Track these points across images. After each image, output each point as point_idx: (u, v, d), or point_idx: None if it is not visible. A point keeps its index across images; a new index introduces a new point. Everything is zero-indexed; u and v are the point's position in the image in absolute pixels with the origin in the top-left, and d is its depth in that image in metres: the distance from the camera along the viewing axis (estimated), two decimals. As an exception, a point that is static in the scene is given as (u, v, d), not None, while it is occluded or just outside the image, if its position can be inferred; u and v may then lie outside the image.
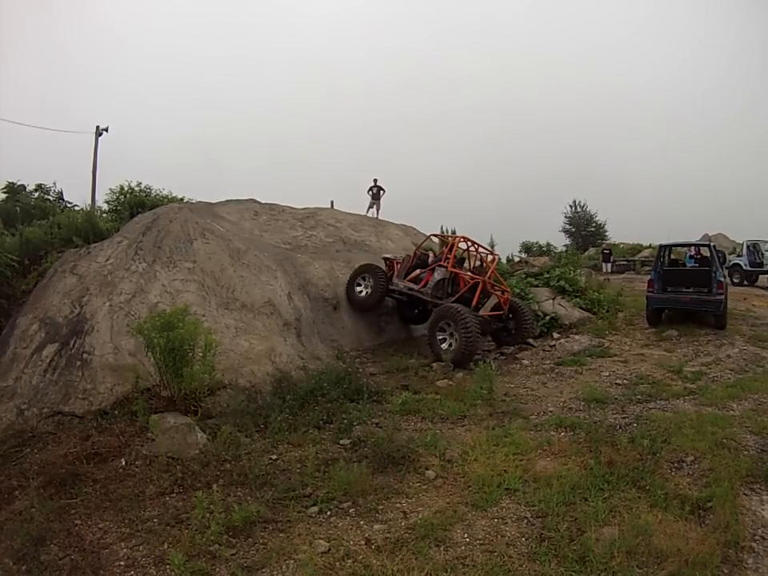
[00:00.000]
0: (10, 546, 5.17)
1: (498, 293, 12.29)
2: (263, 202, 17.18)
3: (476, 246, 12.86)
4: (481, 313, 11.79)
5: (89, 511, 5.73)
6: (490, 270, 12.35)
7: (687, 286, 13.50)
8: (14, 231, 14.82)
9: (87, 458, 6.76)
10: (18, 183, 21.86)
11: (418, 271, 12.82)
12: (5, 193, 21.18)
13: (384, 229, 18.49)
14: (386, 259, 13.80)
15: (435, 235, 13.54)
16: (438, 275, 12.23)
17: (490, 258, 13.23)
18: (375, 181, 21.93)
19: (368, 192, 21.99)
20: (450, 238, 13.12)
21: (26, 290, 11.88)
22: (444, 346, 11.05)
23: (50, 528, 5.35)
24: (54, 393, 8.58)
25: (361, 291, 13.19)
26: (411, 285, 12.60)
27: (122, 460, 6.76)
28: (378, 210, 21.61)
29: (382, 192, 21.90)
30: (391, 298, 13.29)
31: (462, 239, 12.78)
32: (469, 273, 12.41)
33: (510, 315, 12.35)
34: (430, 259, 13.03)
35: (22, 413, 8.40)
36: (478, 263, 13.12)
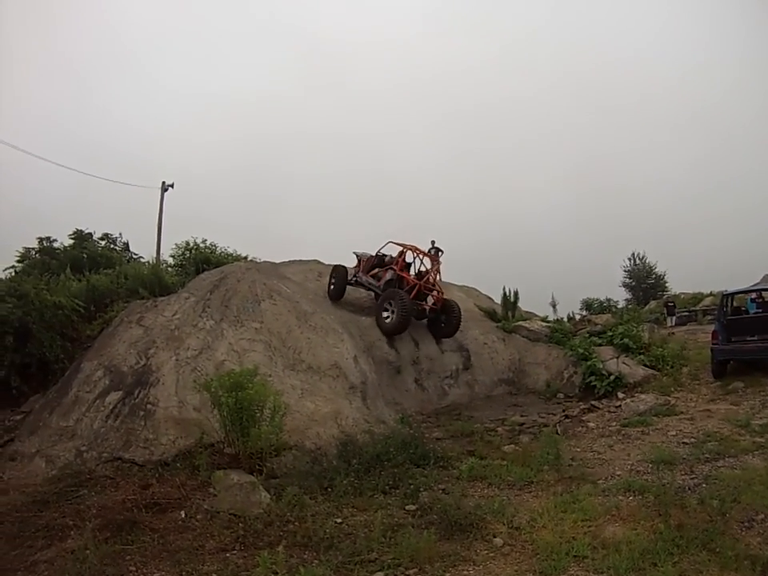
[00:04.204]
0: (59, 583, 5.28)
1: (435, 293, 15.16)
2: (326, 263, 17.82)
3: (421, 255, 15.75)
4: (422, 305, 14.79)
5: (145, 559, 5.80)
6: (427, 276, 15.31)
7: (751, 333, 13.00)
8: (81, 277, 15.60)
9: (146, 507, 6.87)
10: (86, 231, 22.93)
11: (377, 269, 15.70)
12: (72, 239, 22.15)
13: (446, 291, 18.67)
14: (356, 255, 16.76)
15: (393, 242, 16.04)
16: (388, 275, 15.15)
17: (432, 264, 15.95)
18: (433, 242, 22.11)
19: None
20: (403, 247, 15.72)
21: (91, 336, 12.50)
22: (387, 320, 13.98)
23: (103, 571, 5.44)
24: (114, 439, 8.93)
25: (331, 286, 16.00)
26: (371, 280, 15.63)
27: (182, 512, 6.85)
28: (439, 272, 21.71)
29: (440, 253, 22.03)
30: (352, 286, 16.17)
31: (410, 248, 15.60)
32: (412, 275, 15.36)
33: (444, 312, 14.92)
34: (386, 260, 15.87)
35: (80, 454, 8.76)
36: (423, 269, 15.93)
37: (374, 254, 16.32)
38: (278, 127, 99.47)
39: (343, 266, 16.21)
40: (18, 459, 9.05)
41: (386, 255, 16.17)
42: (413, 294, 14.31)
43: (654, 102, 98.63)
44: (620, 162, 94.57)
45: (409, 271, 15.64)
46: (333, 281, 16.04)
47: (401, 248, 15.78)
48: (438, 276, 20.30)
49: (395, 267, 15.19)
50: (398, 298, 13.82)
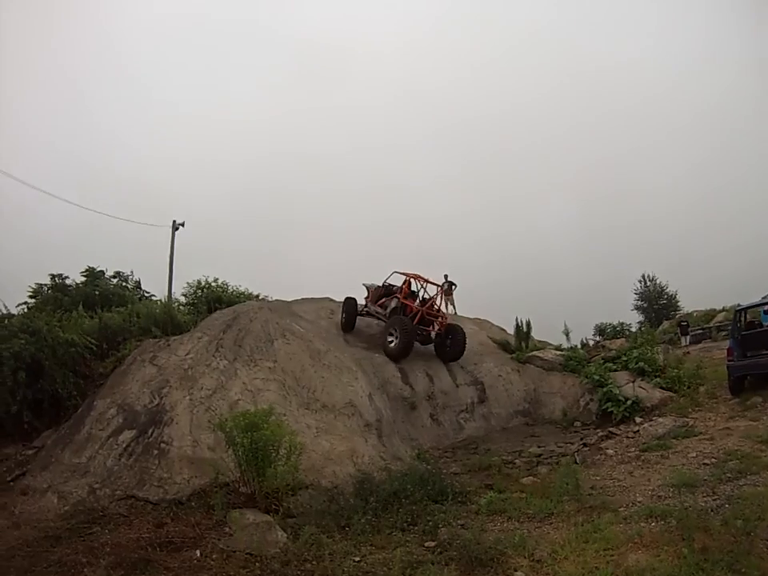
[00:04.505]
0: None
1: (439, 319, 15.83)
2: (338, 300, 17.97)
3: (425, 283, 16.40)
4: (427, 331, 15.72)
5: (159, 598, 5.66)
6: (428, 303, 15.93)
7: (767, 347, 12.81)
8: (93, 314, 15.67)
9: (160, 545, 6.89)
10: (98, 269, 22.77)
11: (384, 299, 16.48)
12: (84, 276, 22.18)
13: (459, 323, 18.68)
14: (365, 286, 17.71)
15: (398, 272, 16.85)
16: (393, 304, 15.88)
17: (436, 289, 16.71)
18: (446, 277, 22.21)
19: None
20: (407, 276, 16.39)
21: (104, 373, 12.57)
22: (391, 344, 14.56)
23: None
24: (128, 477, 8.99)
25: (342, 318, 16.66)
26: (378, 309, 16.44)
27: (197, 551, 6.83)
28: (454, 306, 21.82)
29: (453, 287, 22.10)
30: (363, 317, 16.97)
31: (414, 277, 16.28)
32: (416, 302, 16.02)
33: (449, 336, 15.44)
34: (394, 289, 16.65)
35: (93, 491, 8.80)
36: (427, 296, 16.48)
37: (381, 284, 17.14)
38: (277, 148, 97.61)
39: (353, 299, 17.00)
40: (29, 494, 9.12)
41: (393, 285, 16.97)
42: (416, 320, 15.02)
43: (661, 100, 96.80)
44: (628, 167, 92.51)
45: (414, 299, 16.33)
46: (344, 313, 16.70)
47: (405, 277, 16.48)
48: (449, 306, 21.07)
49: (399, 296, 15.91)
50: (400, 323, 14.65)
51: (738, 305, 15.91)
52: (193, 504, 8.24)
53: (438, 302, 16.50)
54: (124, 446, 9.57)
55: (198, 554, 6.79)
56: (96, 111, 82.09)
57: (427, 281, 16.46)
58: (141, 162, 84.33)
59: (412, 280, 16.36)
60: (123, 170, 79.41)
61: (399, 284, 16.66)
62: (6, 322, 13.19)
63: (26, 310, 17.36)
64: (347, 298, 17.04)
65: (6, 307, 14.22)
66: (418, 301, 16.30)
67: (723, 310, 33.59)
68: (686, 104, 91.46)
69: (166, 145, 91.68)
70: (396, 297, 16.02)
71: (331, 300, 18.43)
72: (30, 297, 20.26)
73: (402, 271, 16.70)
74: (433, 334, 15.79)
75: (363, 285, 17.88)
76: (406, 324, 14.57)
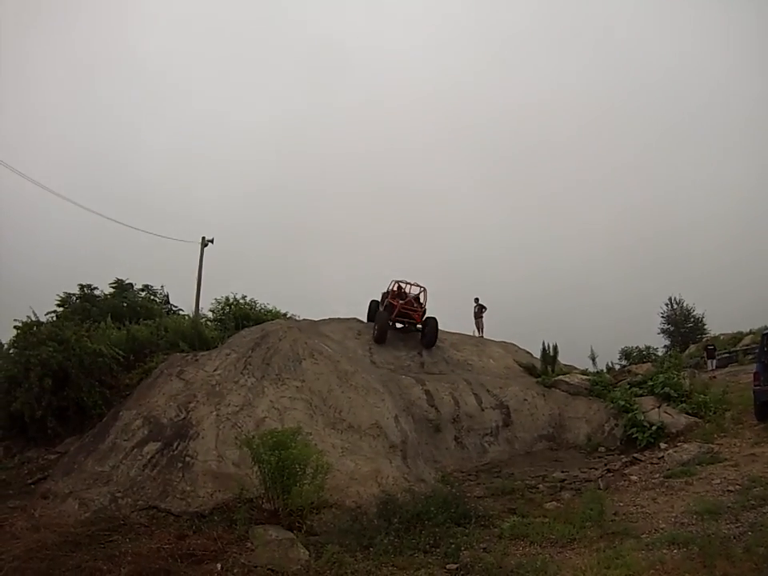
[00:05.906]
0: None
1: (414, 313, 18.50)
2: (365, 321, 18.78)
3: (409, 286, 19.47)
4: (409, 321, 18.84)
5: (179, 609, 5.70)
6: (406, 300, 18.70)
7: None
8: (121, 326, 16.10)
9: (181, 557, 7.00)
10: (126, 281, 23.23)
11: (386, 298, 19.28)
12: (113, 288, 22.51)
13: (485, 347, 18.94)
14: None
15: (396, 280, 19.49)
16: (386, 303, 18.91)
17: (418, 290, 19.35)
18: (477, 300, 22.54)
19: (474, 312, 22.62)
20: (398, 283, 19.44)
21: (130, 385, 13.01)
22: (375, 332, 17.58)
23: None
24: (151, 488, 9.21)
25: (369, 314, 20.08)
26: (382, 305, 19.35)
27: (218, 565, 6.94)
28: (482, 329, 22.05)
29: (483, 310, 22.36)
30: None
31: (403, 282, 19.40)
32: (399, 301, 18.66)
33: (426, 326, 18.25)
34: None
35: (115, 500, 9.02)
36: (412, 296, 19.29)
37: (386, 291, 20.08)
38: (312, 181, 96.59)
39: (377, 301, 20.33)
40: (50, 498, 9.38)
41: (391, 289, 19.82)
42: (394, 314, 18.41)
43: (700, 121, 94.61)
44: (665, 206, 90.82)
45: (400, 299, 18.94)
46: (369, 310, 20.12)
47: (396, 283, 19.63)
48: (478, 329, 22.50)
49: (389, 297, 18.99)
50: (378, 318, 18.24)
51: (766, 327, 15.74)
52: (215, 518, 8.39)
53: (422, 300, 19.11)
54: (148, 457, 9.82)
55: (219, 568, 6.90)
56: (110, 109, 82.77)
57: (409, 284, 19.54)
58: (159, 164, 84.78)
59: (402, 284, 19.57)
60: (141, 172, 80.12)
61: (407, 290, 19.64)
62: (35, 329, 13.66)
63: (54, 319, 17.72)
64: (372, 300, 20.41)
65: (35, 315, 14.67)
66: (400, 301, 18.97)
67: (750, 332, 33.12)
68: (729, 130, 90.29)
69: (182, 145, 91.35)
70: (387, 298, 19.19)
71: (358, 320, 18.96)
72: (59, 305, 20.65)
73: (397, 279, 19.56)
74: (417, 326, 18.67)
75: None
76: (382, 318, 18.08)
